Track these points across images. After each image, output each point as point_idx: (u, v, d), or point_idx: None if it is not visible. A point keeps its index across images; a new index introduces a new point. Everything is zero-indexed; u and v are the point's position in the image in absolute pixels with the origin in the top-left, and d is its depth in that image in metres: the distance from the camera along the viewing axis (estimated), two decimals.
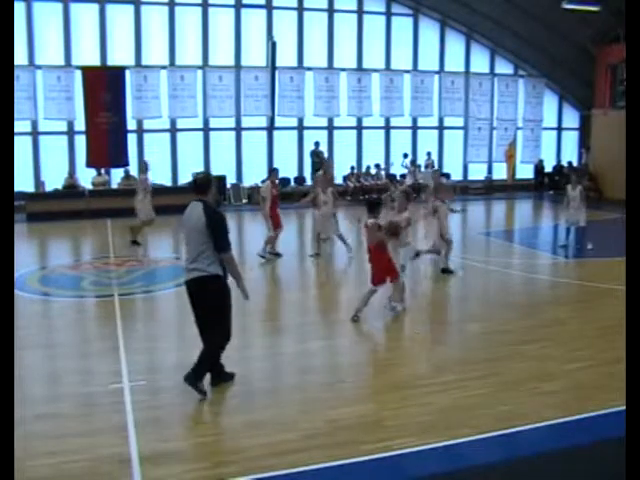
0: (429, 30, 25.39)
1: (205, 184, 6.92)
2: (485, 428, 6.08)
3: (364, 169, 24.76)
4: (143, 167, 15.74)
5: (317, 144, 23.25)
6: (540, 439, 6.03)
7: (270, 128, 23.35)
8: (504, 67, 27.04)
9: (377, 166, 24.79)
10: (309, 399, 6.86)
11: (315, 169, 22.38)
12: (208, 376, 6.92)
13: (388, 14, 24.62)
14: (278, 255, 13.98)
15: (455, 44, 25.91)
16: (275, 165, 22.58)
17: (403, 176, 24.76)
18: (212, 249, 6.69)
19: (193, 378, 6.70)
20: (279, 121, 23.33)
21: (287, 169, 23.16)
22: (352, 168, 24.34)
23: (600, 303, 10.88)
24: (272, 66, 22.51)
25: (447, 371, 7.64)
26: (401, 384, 7.25)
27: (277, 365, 8.02)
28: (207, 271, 6.69)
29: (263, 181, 15.13)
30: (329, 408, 6.56)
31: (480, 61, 26.44)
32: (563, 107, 28.63)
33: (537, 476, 5.42)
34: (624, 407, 6.04)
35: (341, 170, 24.12)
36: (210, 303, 6.79)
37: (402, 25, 24.92)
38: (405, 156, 24.25)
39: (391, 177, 24.28)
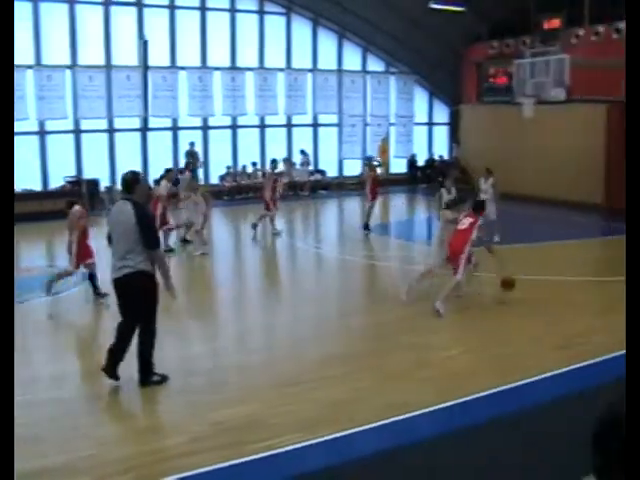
0: (302, 29, 27.07)
1: (132, 182, 7.45)
2: (370, 419, 6.54)
3: (240, 168, 26.25)
4: None
5: (192, 144, 24.39)
6: (423, 426, 6.64)
7: (144, 129, 24.31)
8: (376, 65, 29.22)
9: (253, 165, 26.35)
10: (194, 402, 7.12)
11: (190, 169, 24.26)
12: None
13: (261, 13, 26.06)
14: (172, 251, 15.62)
15: (328, 42, 27.75)
16: (150, 166, 24.39)
17: (280, 174, 26.98)
18: (141, 247, 7.17)
19: (146, 378, 7.35)
20: (153, 122, 24.26)
21: (162, 170, 24.71)
22: (228, 168, 25.72)
23: (477, 291, 11.91)
24: (144, 65, 23.27)
25: (330, 366, 8.11)
26: (285, 382, 7.63)
27: (160, 369, 7.87)
28: (137, 268, 7.18)
29: (157, 181, 16.41)
30: (214, 410, 6.86)
31: (352, 59, 28.45)
32: (433, 103, 31.23)
33: (426, 460, 5.90)
34: (499, 389, 7.29)
35: (217, 170, 25.82)
36: (139, 299, 7.29)
37: (275, 24, 26.48)
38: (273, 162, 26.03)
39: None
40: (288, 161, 26.90)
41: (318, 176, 28.25)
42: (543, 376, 7.87)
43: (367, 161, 22.53)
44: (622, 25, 22.17)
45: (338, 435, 6.29)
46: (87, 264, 11.36)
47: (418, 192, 28.17)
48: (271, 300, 12.14)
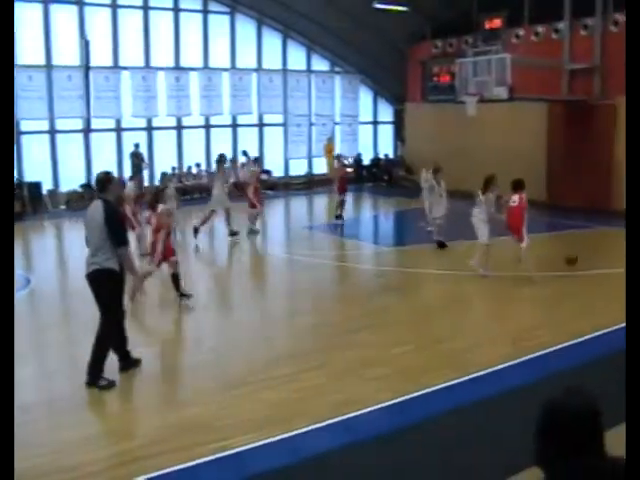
0: (246, 28, 27.08)
1: (103, 182, 7.78)
2: (320, 417, 6.61)
3: (185, 169, 26.15)
4: None
5: (137, 145, 24.11)
6: (374, 422, 6.67)
7: (86, 130, 23.96)
8: (321, 64, 29.43)
9: (198, 165, 26.33)
10: (141, 407, 7.18)
11: (135, 171, 24.04)
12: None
13: (205, 12, 25.97)
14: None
15: (272, 42, 27.81)
16: (93, 168, 24.05)
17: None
18: (110, 245, 7.49)
19: (93, 380, 7.47)
20: (95, 123, 23.93)
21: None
22: (173, 169, 25.41)
23: (420, 288, 12.45)
24: (86, 65, 23.05)
25: (279, 365, 8.18)
26: (234, 383, 7.63)
27: (107, 373, 7.87)
28: (103, 265, 7.52)
29: (124, 183, 16.53)
30: (161, 414, 6.85)
31: (297, 58, 28.56)
32: (378, 102, 31.57)
33: (376, 458, 5.93)
34: (447, 384, 7.47)
35: (162, 171, 25.83)
36: (104, 295, 7.62)
37: (219, 23, 26.42)
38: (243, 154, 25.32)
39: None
40: (234, 162, 26.86)
41: (264, 176, 28.19)
42: (492, 370, 8.05)
43: (337, 158, 22.78)
44: (561, 25, 22.70)
45: (290, 434, 6.34)
46: (170, 262, 11.32)
47: (364, 191, 28.33)
48: (218, 302, 12.16)
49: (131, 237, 14.38)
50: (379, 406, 6.96)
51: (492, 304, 11.20)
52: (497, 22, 20.17)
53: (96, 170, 23.35)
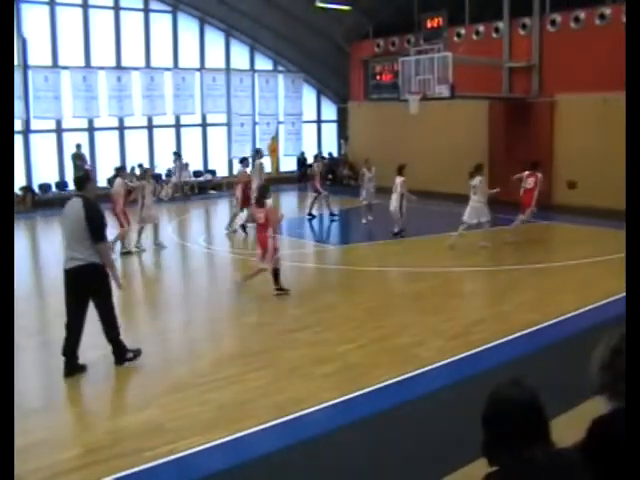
0: (189, 27, 26.90)
1: (82, 180, 8.16)
2: (267, 418, 6.58)
3: (129, 170, 26.01)
4: None
5: (78, 146, 23.70)
6: (320, 421, 6.67)
7: (25, 131, 23.45)
8: (264, 63, 29.40)
9: (140, 166, 26.17)
10: (87, 412, 7.07)
11: (77, 172, 23.64)
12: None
13: (146, 11, 25.69)
14: (130, 252, 15.60)
15: (215, 41, 27.67)
16: (33, 170, 23.69)
17: (169, 175, 26.80)
18: (89, 240, 7.74)
19: (121, 358, 8.12)
20: (35, 124, 23.54)
21: (47, 174, 23.95)
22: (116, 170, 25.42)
23: (365, 285, 12.43)
24: (24, 65, 22.63)
25: (224, 366, 8.12)
26: (179, 385, 7.57)
27: (49, 380, 8.01)
28: (86, 260, 7.77)
29: (110, 180, 16.74)
30: (109, 419, 6.78)
31: (240, 58, 28.46)
32: (322, 100, 31.70)
33: (323, 457, 5.96)
34: (394, 380, 7.52)
35: (105, 173, 25.39)
36: (93, 288, 7.91)
37: (161, 22, 26.16)
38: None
39: (156, 176, 26.10)
40: (179, 161, 26.74)
41: (208, 176, 28.08)
42: (440, 364, 8.15)
43: (316, 157, 23.13)
44: (500, 24, 23.08)
45: (238, 435, 6.30)
46: (274, 258, 11.44)
47: (308, 190, 28.32)
48: (162, 303, 11.98)
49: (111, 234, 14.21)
50: (325, 405, 6.96)
51: (438, 299, 11.30)
52: (438, 21, 20.38)
53: (36, 172, 23.20)
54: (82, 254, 7.80)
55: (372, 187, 19.17)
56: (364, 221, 19.07)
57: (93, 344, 9.36)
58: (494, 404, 2.65)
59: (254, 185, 17.29)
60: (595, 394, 2.90)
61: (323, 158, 25.86)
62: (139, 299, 12.28)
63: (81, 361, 8.10)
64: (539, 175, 15.53)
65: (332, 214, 20.48)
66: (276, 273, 11.49)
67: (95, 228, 7.82)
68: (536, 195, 15.47)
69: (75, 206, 7.91)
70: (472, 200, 15.26)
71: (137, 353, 8.33)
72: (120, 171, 16.49)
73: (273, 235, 11.43)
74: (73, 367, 7.97)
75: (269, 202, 11.73)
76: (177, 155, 26.96)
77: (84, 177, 8.34)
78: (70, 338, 7.98)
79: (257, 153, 20.38)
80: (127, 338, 9.64)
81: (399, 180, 16.70)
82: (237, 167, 20.88)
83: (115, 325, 8.24)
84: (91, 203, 7.98)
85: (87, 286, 7.94)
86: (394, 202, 16.69)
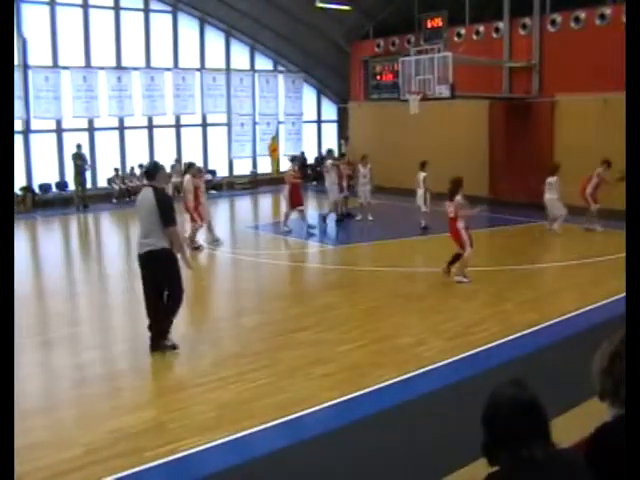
0: (189, 27, 26.84)
1: (152, 171, 8.71)
2: (267, 418, 6.59)
3: (128, 170, 25.70)
4: None
5: (79, 146, 23.58)
6: (320, 421, 6.67)
7: (25, 131, 23.39)
8: (264, 63, 29.33)
9: (141, 167, 26.07)
10: (87, 412, 6.99)
11: (77, 172, 23.69)
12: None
13: (146, 11, 25.64)
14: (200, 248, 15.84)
15: (215, 41, 27.62)
16: (33, 170, 23.67)
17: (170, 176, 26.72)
18: (160, 227, 8.31)
19: (158, 345, 8.54)
20: (35, 124, 23.47)
21: (47, 174, 23.93)
22: (116, 170, 25.17)
23: (365, 285, 12.49)
24: (24, 65, 22.61)
25: (225, 366, 8.14)
26: (180, 384, 7.68)
27: (50, 381, 8.05)
28: (156, 245, 8.36)
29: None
30: (109, 419, 6.73)
31: (240, 58, 28.40)
32: (322, 100, 31.66)
33: (323, 457, 5.94)
34: (394, 380, 7.51)
35: (105, 173, 25.28)
36: (162, 272, 8.46)
37: (161, 22, 26.10)
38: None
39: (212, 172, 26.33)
40: (178, 164, 26.71)
41: (208, 176, 28.02)
42: (440, 364, 8.15)
43: (340, 156, 23.04)
44: (501, 24, 23.07)
45: (238, 435, 6.30)
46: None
47: (308, 189, 28.31)
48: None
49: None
50: (325, 405, 6.96)
51: (438, 299, 11.30)
52: (438, 21, 20.38)
53: (36, 172, 23.17)
54: (153, 239, 8.38)
55: (366, 184, 19.37)
56: (361, 219, 19.11)
57: (93, 344, 9.45)
58: (494, 404, 2.65)
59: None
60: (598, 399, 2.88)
61: (343, 156, 25.38)
62: (139, 299, 12.24)
63: (81, 362, 8.09)
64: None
65: (348, 215, 20.29)
66: (457, 257, 12.23)
67: (164, 213, 8.34)
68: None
69: (146, 195, 8.48)
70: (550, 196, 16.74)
71: (175, 347, 8.74)
72: (190, 168, 16.41)
73: (464, 227, 12.06)
74: (158, 345, 8.65)
75: (458, 198, 12.06)
76: (177, 162, 27.01)
77: (154, 168, 8.83)
78: (153, 319, 8.65)
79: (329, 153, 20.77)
80: (126, 337, 9.77)
81: (422, 176, 17.70)
82: (287, 165, 20.80)
83: (171, 310, 8.73)
84: (160, 191, 8.54)
85: (156, 269, 8.48)
86: (419, 198, 17.61)
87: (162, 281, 8.60)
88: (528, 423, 2.58)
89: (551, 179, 16.89)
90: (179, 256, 8.72)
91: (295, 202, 18.15)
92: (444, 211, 12.46)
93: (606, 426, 2.80)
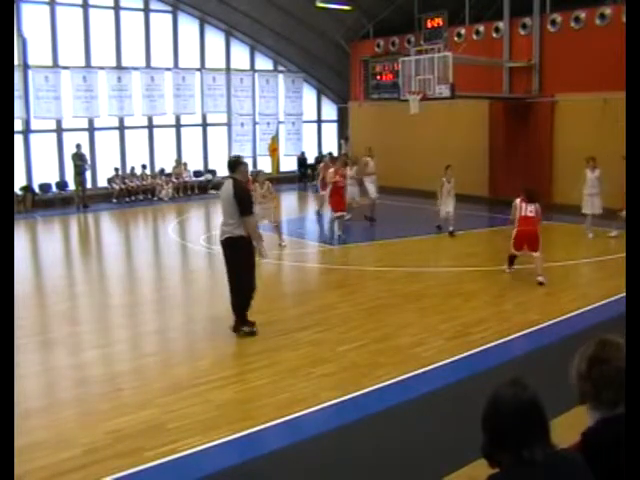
0: (189, 27, 26.84)
1: (232, 164, 9.41)
2: (267, 418, 6.60)
3: (128, 170, 25.69)
4: None
5: (79, 146, 23.56)
6: (320, 421, 6.66)
7: (25, 131, 23.40)
8: (264, 63, 29.35)
9: (143, 167, 25.90)
10: (87, 412, 6.98)
11: (77, 172, 23.70)
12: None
13: (146, 10, 25.65)
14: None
15: (215, 41, 27.63)
16: (33, 170, 23.65)
17: (169, 175, 26.83)
18: (238, 216, 9.01)
19: (240, 326, 9.21)
20: (35, 124, 23.49)
21: (47, 174, 23.95)
22: (116, 170, 25.13)
23: (365, 285, 12.49)
24: (24, 65, 22.63)
25: (225, 366, 8.17)
26: (180, 384, 7.59)
27: (50, 381, 8.01)
28: (234, 233, 9.09)
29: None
30: (109, 419, 6.71)
31: (240, 58, 28.42)
32: (322, 100, 31.68)
33: (323, 457, 5.94)
34: (394, 380, 7.54)
35: (105, 172, 25.25)
36: (236, 258, 9.14)
37: (161, 22, 26.10)
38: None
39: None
40: (179, 163, 26.76)
41: (208, 176, 28.06)
42: (440, 364, 8.15)
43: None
44: (501, 24, 23.07)
45: (238, 435, 6.30)
46: None
47: (308, 189, 28.36)
48: (164, 302, 11.92)
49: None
50: (326, 404, 6.96)
51: (438, 299, 11.29)
52: (438, 21, 20.38)
53: (36, 172, 23.16)
54: (231, 227, 9.11)
55: (354, 184, 19.05)
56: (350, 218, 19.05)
57: (93, 344, 9.44)
58: (494, 404, 2.65)
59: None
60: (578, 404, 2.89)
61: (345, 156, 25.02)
62: (139, 299, 12.24)
63: (81, 362, 8.07)
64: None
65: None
66: (513, 258, 12.51)
67: (241, 203, 9.03)
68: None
69: (227, 186, 9.22)
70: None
71: (253, 333, 9.33)
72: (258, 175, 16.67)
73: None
74: (238, 326, 9.33)
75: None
76: (178, 163, 27.06)
77: (236, 162, 9.52)
78: (235, 300, 9.31)
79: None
80: (127, 337, 9.79)
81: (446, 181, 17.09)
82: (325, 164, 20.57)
83: (241, 295, 9.28)
84: (239, 184, 9.21)
85: (231, 254, 9.18)
86: (450, 205, 16.90)
87: (235, 266, 9.23)
88: (528, 423, 2.58)
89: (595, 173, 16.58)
90: (255, 244, 9.29)
91: (336, 206, 16.82)
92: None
93: (591, 430, 2.81)
